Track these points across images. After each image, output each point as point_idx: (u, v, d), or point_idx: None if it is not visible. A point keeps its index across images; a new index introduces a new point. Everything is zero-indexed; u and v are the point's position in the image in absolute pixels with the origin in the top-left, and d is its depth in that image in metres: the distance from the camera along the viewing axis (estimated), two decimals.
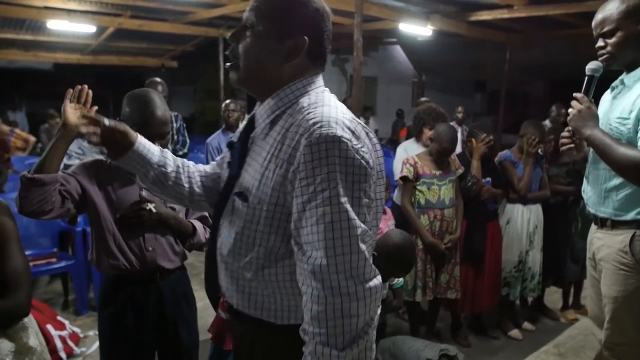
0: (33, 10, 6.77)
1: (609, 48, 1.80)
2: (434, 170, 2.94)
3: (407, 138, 4.52)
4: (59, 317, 3.20)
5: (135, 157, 1.20)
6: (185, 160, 1.31)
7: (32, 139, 6.36)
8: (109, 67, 11.36)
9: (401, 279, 2.32)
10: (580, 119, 1.78)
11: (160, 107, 1.68)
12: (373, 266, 0.98)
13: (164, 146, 1.71)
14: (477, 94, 11.90)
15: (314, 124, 0.98)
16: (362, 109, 7.30)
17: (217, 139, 4.10)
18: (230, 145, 1.21)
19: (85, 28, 7.45)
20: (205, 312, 2.15)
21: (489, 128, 3.35)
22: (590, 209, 1.96)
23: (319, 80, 1.12)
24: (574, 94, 1.81)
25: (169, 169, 1.24)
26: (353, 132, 0.98)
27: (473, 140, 3.16)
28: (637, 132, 1.70)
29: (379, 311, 1.00)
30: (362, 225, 0.95)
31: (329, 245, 0.93)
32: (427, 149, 3.09)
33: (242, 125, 1.23)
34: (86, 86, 1.65)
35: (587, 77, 1.81)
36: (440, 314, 3.24)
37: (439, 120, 3.32)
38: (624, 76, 1.85)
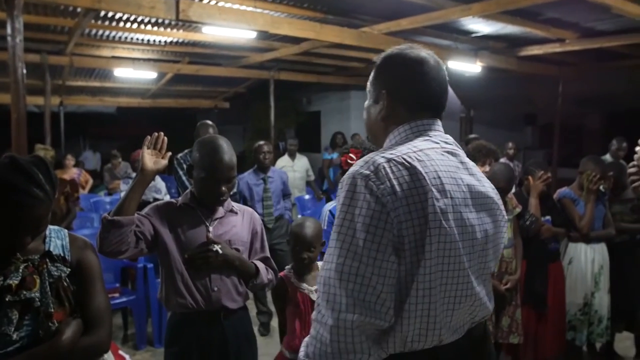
0: (102, 60, 7.37)
1: None
2: None
3: None
4: (120, 352, 3.30)
5: None
6: None
7: (91, 180, 6.87)
8: (165, 109, 12.00)
9: None
10: None
11: (228, 153, 1.77)
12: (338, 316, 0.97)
13: (230, 189, 1.80)
14: (528, 128, 11.56)
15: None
16: None
17: (246, 178, 4.14)
18: None
19: (147, 74, 7.99)
20: (264, 351, 2.17)
21: (543, 162, 3.28)
22: None
23: (423, 126, 1.18)
24: None
25: None
26: (377, 170, 1.01)
27: (530, 177, 3.09)
28: None
29: None
30: (352, 264, 0.97)
31: (328, 271, 1.01)
32: None
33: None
34: (162, 133, 1.77)
35: None
36: None
37: (490, 157, 3.28)
38: None
